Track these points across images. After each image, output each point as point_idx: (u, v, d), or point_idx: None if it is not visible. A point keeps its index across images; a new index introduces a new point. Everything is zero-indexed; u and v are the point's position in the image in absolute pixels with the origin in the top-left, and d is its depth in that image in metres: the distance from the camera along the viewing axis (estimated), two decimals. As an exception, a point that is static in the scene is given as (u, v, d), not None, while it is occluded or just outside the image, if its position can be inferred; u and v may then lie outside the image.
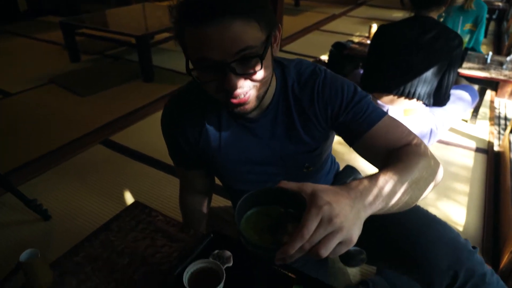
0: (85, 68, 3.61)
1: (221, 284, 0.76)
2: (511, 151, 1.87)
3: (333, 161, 1.17)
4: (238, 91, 0.72)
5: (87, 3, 5.74)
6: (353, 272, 1.40)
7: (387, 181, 0.62)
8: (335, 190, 0.55)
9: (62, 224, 1.71)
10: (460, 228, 1.60)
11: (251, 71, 0.71)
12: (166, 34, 3.62)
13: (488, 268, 0.84)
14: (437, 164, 0.74)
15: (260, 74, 0.72)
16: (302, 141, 0.91)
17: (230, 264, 0.87)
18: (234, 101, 0.74)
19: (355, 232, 0.53)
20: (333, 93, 0.85)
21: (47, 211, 1.71)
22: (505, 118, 2.60)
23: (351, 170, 1.20)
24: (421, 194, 0.69)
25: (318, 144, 0.93)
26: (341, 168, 1.22)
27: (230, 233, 1.01)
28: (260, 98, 0.78)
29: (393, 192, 0.62)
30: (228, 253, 0.89)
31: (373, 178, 0.61)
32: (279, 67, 0.88)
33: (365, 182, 0.60)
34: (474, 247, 0.86)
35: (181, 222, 1.04)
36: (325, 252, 0.50)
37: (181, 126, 0.93)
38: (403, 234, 0.88)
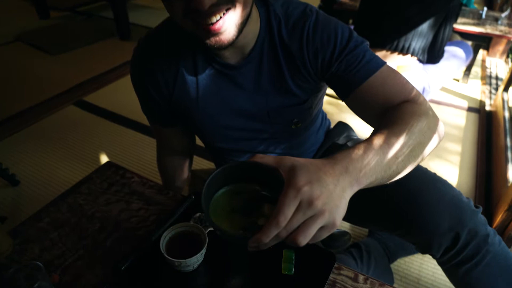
0: (55, 25, 3.36)
1: (203, 249, 0.67)
2: (505, 109, 1.82)
3: (324, 118, 1.08)
4: (211, 9, 0.59)
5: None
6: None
7: (378, 151, 0.54)
8: (317, 165, 0.48)
9: (32, 189, 1.59)
10: (452, 188, 1.54)
11: None
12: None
13: (490, 228, 0.78)
14: (436, 123, 0.66)
15: None
16: (290, 92, 0.80)
17: (214, 227, 0.78)
18: (207, 27, 0.61)
19: (339, 215, 0.46)
20: (324, 38, 0.73)
21: (14, 176, 1.58)
22: (496, 78, 2.56)
23: (343, 127, 1.11)
24: (417, 162, 0.61)
25: (308, 96, 0.83)
26: (332, 125, 1.13)
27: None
28: (238, 27, 0.65)
29: (385, 164, 0.54)
30: (211, 215, 0.80)
31: (362, 147, 0.53)
32: (264, 5, 0.76)
33: (353, 153, 0.52)
34: (477, 206, 0.80)
35: (160, 184, 0.94)
36: (304, 240, 0.44)
37: (152, 74, 0.80)
38: (400, 194, 0.81)
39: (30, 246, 0.77)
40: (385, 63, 0.74)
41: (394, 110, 0.66)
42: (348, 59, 0.72)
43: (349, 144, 1.03)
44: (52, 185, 1.61)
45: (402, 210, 0.81)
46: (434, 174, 0.84)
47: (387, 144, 0.55)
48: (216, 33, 0.63)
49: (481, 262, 0.77)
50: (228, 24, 0.63)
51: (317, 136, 1.02)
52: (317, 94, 0.86)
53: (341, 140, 1.05)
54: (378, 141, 0.55)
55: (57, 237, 0.79)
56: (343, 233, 1.28)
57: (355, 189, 0.50)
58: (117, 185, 0.93)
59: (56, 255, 0.75)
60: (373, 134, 0.58)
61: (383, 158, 0.54)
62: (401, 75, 0.73)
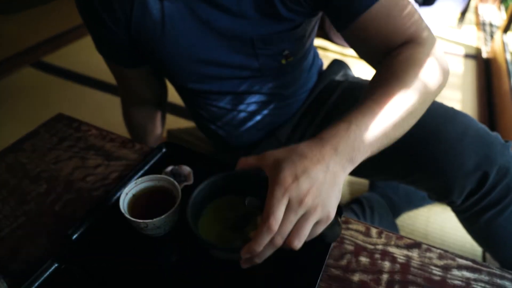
0: (8, -17, 3.00)
1: (176, 206, 0.52)
2: (506, 52, 1.70)
3: (316, 55, 0.91)
4: None
5: None
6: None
7: (372, 120, 0.46)
8: (302, 153, 0.42)
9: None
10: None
11: None
12: None
13: None
14: (440, 69, 0.56)
15: None
16: (280, 16, 0.63)
17: (190, 182, 0.64)
18: None
19: (332, 205, 0.42)
20: None
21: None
22: (490, 24, 2.46)
23: (339, 65, 0.94)
24: (416, 120, 0.54)
25: (301, 20, 0.66)
26: (325, 66, 0.96)
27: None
28: None
29: (382, 133, 0.47)
30: (187, 168, 0.65)
31: (353, 119, 0.46)
32: None
33: (342, 128, 0.45)
34: (506, 141, 0.66)
35: (124, 137, 0.77)
36: (300, 242, 0.40)
37: None
38: (414, 133, 0.66)
39: (-45, 215, 0.60)
40: None
41: (393, 58, 0.55)
42: None
43: (346, 84, 0.87)
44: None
45: (417, 151, 0.67)
46: (452, 108, 0.70)
47: (382, 109, 0.47)
48: None
49: (510, 206, 0.66)
50: None
51: (309, 74, 0.85)
52: (312, 18, 0.69)
53: (338, 77, 0.89)
54: (371, 107, 0.47)
55: (-8, 204, 0.62)
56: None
57: (349, 169, 0.44)
58: (70, 140, 0.76)
59: (-12, 225, 0.59)
60: (365, 97, 0.50)
61: (379, 128, 0.46)
62: (412, 5, 0.58)
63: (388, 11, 0.57)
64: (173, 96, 0.87)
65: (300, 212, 0.40)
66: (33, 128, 0.78)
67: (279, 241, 0.40)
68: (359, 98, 0.79)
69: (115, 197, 0.61)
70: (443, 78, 0.56)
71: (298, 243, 0.40)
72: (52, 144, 0.75)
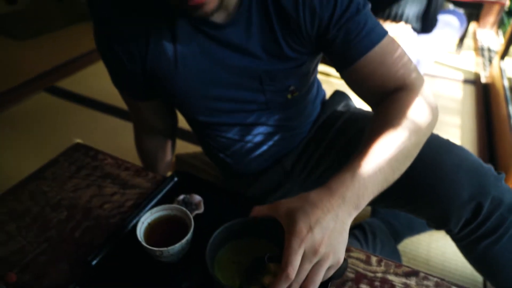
0: (24, 10, 3.14)
1: (189, 235, 0.56)
2: (504, 78, 1.75)
3: (320, 86, 0.96)
4: None
5: None
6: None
7: (374, 166, 0.52)
8: (313, 202, 0.48)
9: (1, 181, 1.44)
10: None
11: None
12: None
13: None
14: (433, 114, 0.62)
15: None
16: (285, 56, 0.68)
17: (201, 211, 0.68)
18: (191, 3, 0.53)
19: (341, 250, 0.48)
20: None
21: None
22: (489, 49, 2.51)
23: (341, 96, 0.99)
24: (412, 161, 0.60)
25: (304, 59, 0.71)
26: (327, 96, 1.01)
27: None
28: None
29: (383, 178, 0.53)
30: (197, 197, 0.69)
31: (356, 167, 0.52)
32: None
33: (348, 177, 0.51)
34: (499, 173, 0.70)
35: (137, 165, 0.82)
36: (315, 286, 0.45)
37: (121, 35, 0.67)
38: (413, 166, 0.70)
39: (-18, 241, 0.65)
40: (387, 32, 0.65)
41: (388, 105, 0.62)
42: (348, 26, 0.62)
43: (348, 114, 0.92)
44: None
45: (415, 182, 0.71)
46: (447, 140, 0.74)
47: (381, 157, 0.53)
48: (200, 5, 0.54)
49: (505, 235, 0.68)
50: None
51: (313, 106, 0.90)
52: (315, 56, 0.75)
53: (340, 108, 0.94)
54: (371, 155, 0.53)
55: (15, 230, 0.67)
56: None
57: (354, 215, 0.50)
58: (87, 168, 0.81)
59: (13, 251, 0.63)
60: (365, 144, 0.56)
61: (379, 174, 0.52)
62: (402, 48, 0.65)
63: (383, 57, 0.63)
64: (182, 122, 0.91)
65: (314, 260, 0.45)
66: (47, 151, 0.83)
67: (295, 287, 0.45)
68: (359, 128, 0.85)
69: (131, 225, 0.65)
70: (432, 116, 0.62)
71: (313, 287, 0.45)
72: (71, 172, 0.80)
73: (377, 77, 0.65)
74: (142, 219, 0.59)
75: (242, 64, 0.69)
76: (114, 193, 0.74)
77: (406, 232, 1.15)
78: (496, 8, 2.55)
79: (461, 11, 2.15)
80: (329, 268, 0.47)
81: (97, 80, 2.14)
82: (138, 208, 0.67)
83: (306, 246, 0.44)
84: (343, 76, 0.69)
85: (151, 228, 0.60)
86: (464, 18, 2.05)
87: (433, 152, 0.70)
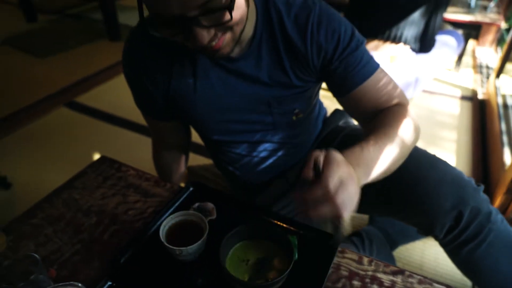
0: (43, 28, 3.30)
1: (204, 237, 0.65)
2: (498, 96, 1.83)
3: (321, 105, 1.06)
4: (209, 43, 0.62)
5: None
6: (346, 225, 1.34)
7: (379, 149, 0.64)
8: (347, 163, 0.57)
9: (25, 192, 1.56)
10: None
11: (220, 20, 0.59)
12: (130, -11, 3.34)
13: (493, 207, 0.78)
14: (416, 124, 0.75)
15: (231, 20, 0.61)
16: (291, 84, 0.79)
17: (214, 217, 0.77)
18: (205, 49, 0.64)
19: (355, 200, 0.56)
20: (329, 35, 0.73)
21: (6, 178, 1.54)
22: (487, 67, 2.58)
23: (340, 114, 1.09)
24: (403, 160, 0.72)
25: (309, 86, 0.82)
26: (329, 113, 1.12)
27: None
28: (236, 39, 0.67)
29: (384, 161, 0.64)
30: (210, 205, 0.79)
31: (364, 147, 0.63)
32: None
33: (357, 151, 0.62)
34: (478, 185, 0.79)
35: (156, 177, 0.92)
36: (344, 207, 0.53)
37: (147, 64, 0.78)
38: (401, 177, 0.80)
39: (24, 242, 0.74)
40: (379, 65, 0.77)
41: (386, 113, 0.74)
42: (348, 59, 0.73)
43: (348, 130, 1.02)
44: (46, 188, 1.57)
45: (404, 193, 0.80)
46: (434, 155, 0.84)
47: (385, 144, 0.65)
48: (217, 50, 0.65)
49: (484, 241, 0.76)
50: (226, 42, 0.65)
51: (316, 124, 1.00)
52: (318, 83, 0.85)
53: (341, 124, 1.05)
54: (377, 141, 0.64)
55: (52, 233, 0.77)
56: (339, 227, 1.27)
57: (363, 181, 0.60)
58: (112, 179, 0.91)
59: (52, 251, 0.73)
60: (371, 134, 0.67)
61: (382, 156, 0.64)
62: (390, 77, 0.78)
63: (376, 86, 0.75)
64: (194, 136, 1.01)
65: (341, 188, 0.53)
66: (67, 163, 0.93)
67: (326, 197, 0.52)
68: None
69: (153, 229, 0.75)
70: (415, 127, 0.74)
71: (344, 208, 0.53)
72: (98, 182, 0.90)
73: (370, 103, 0.76)
74: (164, 223, 0.69)
75: (253, 91, 0.79)
76: (137, 201, 0.84)
77: (400, 239, 1.23)
78: (494, 28, 2.64)
79: (459, 31, 2.24)
80: (344, 211, 0.53)
81: (113, 95, 2.26)
82: (159, 214, 0.77)
83: (340, 174, 0.53)
84: (340, 101, 0.80)
85: (172, 231, 0.69)
86: (462, 38, 2.14)
87: (419, 164, 0.80)
